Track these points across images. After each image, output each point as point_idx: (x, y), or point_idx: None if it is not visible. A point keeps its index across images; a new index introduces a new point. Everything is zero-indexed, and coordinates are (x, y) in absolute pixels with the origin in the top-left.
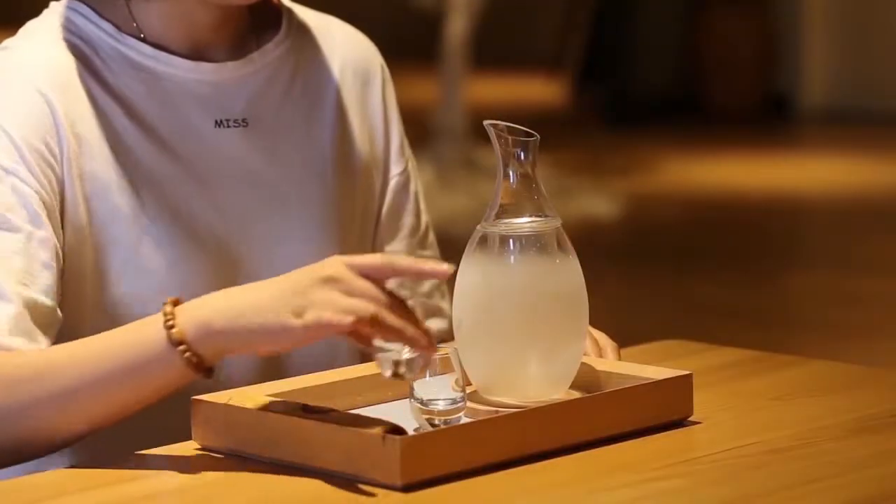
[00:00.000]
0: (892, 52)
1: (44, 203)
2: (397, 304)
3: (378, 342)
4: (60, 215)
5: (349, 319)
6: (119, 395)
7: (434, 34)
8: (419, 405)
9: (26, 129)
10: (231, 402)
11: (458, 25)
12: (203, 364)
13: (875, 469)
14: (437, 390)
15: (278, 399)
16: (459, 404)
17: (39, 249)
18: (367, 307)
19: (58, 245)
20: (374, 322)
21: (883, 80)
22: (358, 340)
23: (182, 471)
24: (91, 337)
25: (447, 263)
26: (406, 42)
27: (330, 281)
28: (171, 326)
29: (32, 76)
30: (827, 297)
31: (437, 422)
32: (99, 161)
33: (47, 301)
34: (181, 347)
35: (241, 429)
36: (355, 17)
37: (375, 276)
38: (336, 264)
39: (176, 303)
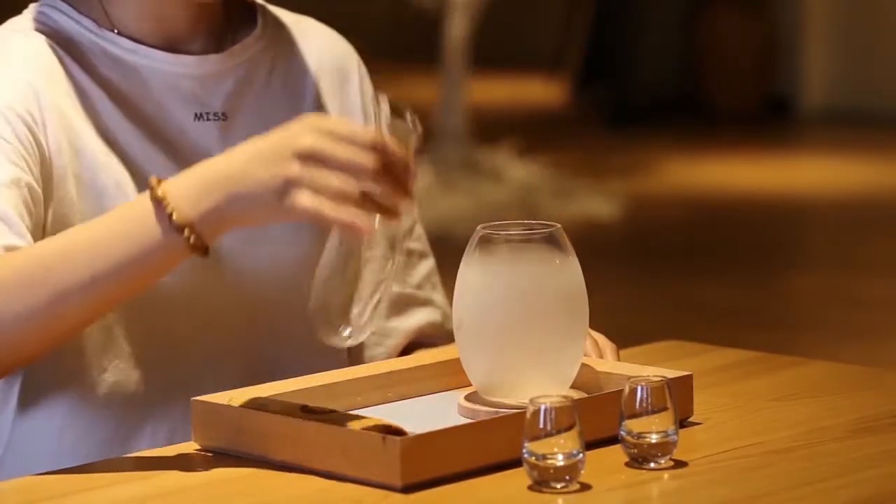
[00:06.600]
0: (893, 54)
1: (25, 160)
2: (387, 168)
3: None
4: (48, 184)
5: (333, 213)
6: (117, 288)
7: (434, 35)
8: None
9: (9, 100)
10: (231, 403)
11: (458, 26)
12: (203, 244)
13: (876, 470)
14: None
15: (278, 400)
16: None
17: (26, 190)
18: (353, 188)
19: (39, 195)
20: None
21: (883, 81)
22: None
23: (182, 471)
24: (78, 228)
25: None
26: (406, 43)
27: (308, 158)
28: (171, 213)
29: (15, 63)
30: (828, 297)
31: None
32: (85, 140)
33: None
34: (185, 233)
35: (242, 429)
36: (356, 17)
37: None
38: (311, 134)
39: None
